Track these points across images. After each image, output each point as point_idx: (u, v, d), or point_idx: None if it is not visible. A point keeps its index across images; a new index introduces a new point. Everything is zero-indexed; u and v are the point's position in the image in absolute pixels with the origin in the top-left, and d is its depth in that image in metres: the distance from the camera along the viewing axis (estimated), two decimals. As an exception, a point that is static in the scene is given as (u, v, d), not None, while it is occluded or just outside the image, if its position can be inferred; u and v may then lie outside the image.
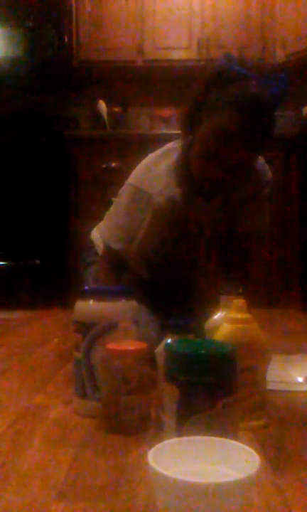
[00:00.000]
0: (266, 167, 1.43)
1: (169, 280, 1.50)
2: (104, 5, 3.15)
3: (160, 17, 3.16)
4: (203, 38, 3.15)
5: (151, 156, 1.39)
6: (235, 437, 0.68)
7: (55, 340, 1.77)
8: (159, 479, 0.52)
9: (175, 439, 0.63)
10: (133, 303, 1.01)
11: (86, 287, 1.04)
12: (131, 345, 0.92)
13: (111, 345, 0.90)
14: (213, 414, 0.69)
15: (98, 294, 0.99)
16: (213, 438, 0.61)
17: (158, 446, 0.58)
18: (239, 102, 1.16)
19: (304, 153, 2.76)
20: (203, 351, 0.74)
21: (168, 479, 0.51)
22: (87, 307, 0.98)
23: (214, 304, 1.07)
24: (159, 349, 0.96)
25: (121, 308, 0.98)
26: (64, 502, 0.64)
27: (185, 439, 0.63)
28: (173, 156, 1.34)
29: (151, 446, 0.57)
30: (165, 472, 0.51)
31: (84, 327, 0.96)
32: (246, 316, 0.90)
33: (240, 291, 1.03)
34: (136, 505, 0.63)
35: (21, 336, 1.95)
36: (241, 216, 1.41)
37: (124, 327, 0.94)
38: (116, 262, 1.43)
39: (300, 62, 3.05)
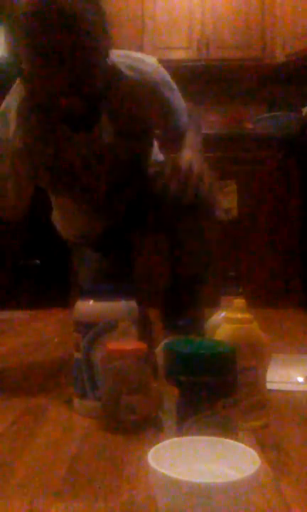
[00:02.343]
0: (147, 69, 1.21)
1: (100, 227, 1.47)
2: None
3: (160, 17, 3.16)
4: (203, 38, 3.15)
5: (3, 102, 1.23)
6: (235, 437, 0.68)
7: (55, 340, 1.77)
8: (159, 479, 0.52)
9: (175, 439, 0.63)
10: (133, 303, 1.01)
11: (86, 287, 1.04)
12: (131, 345, 0.92)
13: (111, 345, 0.90)
14: (213, 414, 0.69)
15: (98, 294, 0.99)
16: (213, 438, 0.61)
17: (158, 446, 0.58)
18: (23, 21, 0.99)
19: (304, 153, 2.76)
20: (203, 351, 0.74)
21: (168, 479, 0.51)
22: (87, 307, 0.98)
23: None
24: (159, 349, 0.96)
25: (121, 308, 0.98)
26: (64, 502, 0.64)
27: (185, 439, 0.63)
28: (21, 93, 1.18)
29: (150, 446, 0.57)
30: (165, 472, 0.51)
31: (84, 327, 0.96)
32: (246, 316, 0.90)
33: (240, 291, 1.03)
34: (136, 505, 0.63)
35: (21, 336, 1.95)
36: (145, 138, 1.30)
37: (123, 327, 0.94)
38: None
39: (300, 62, 3.05)
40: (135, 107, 1.23)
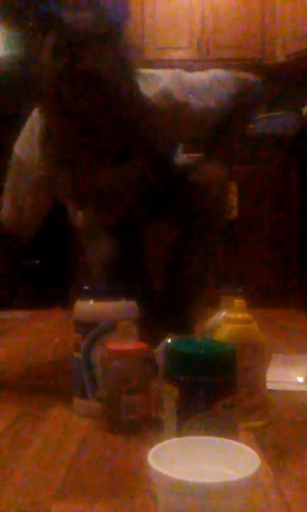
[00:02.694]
0: (173, 90, 1.15)
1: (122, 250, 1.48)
2: (104, 5, 3.15)
3: (160, 17, 3.16)
4: (203, 38, 3.15)
5: (32, 116, 1.19)
6: (235, 437, 0.68)
7: (55, 340, 1.77)
8: (159, 479, 0.52)
9: (175, 439, 0.63)
10: (133, 303, 1.01)
11: (86, 287, 1.04)
12: (131, 345, 0.92)
13: (111, 345, 0.90)
14: (213, 414, 0.69)
15: (98, 294, 0.99)
16: (213, 438, 0.61)
17: (158, 446, 0.58)
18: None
19: (304, 153, 2.76)
20: (203, 351, 0.74)
21: (168, 479, 0.51)
22: (87, 307, 0.98)
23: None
24: (159, 349, 0.96)
25: (121, 308, 0.98)
26: (64, 502, 0.64)
27: (185, 439, 0.63)
28: (42, 122, 1.11)
29: (151, 446, 0.57)
30: (165, 472, 0.51)
31: (84, 327, 0.96)
32: (246, 316, 0.91)
33: (240, 291, 1.03)
34: (136, 505, 0.63)
35: (21, 335, 1.95)
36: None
37: (123, 327, 0.94)
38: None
39: (300, 62, 3.05)
40: (166, 134, 1.21)
